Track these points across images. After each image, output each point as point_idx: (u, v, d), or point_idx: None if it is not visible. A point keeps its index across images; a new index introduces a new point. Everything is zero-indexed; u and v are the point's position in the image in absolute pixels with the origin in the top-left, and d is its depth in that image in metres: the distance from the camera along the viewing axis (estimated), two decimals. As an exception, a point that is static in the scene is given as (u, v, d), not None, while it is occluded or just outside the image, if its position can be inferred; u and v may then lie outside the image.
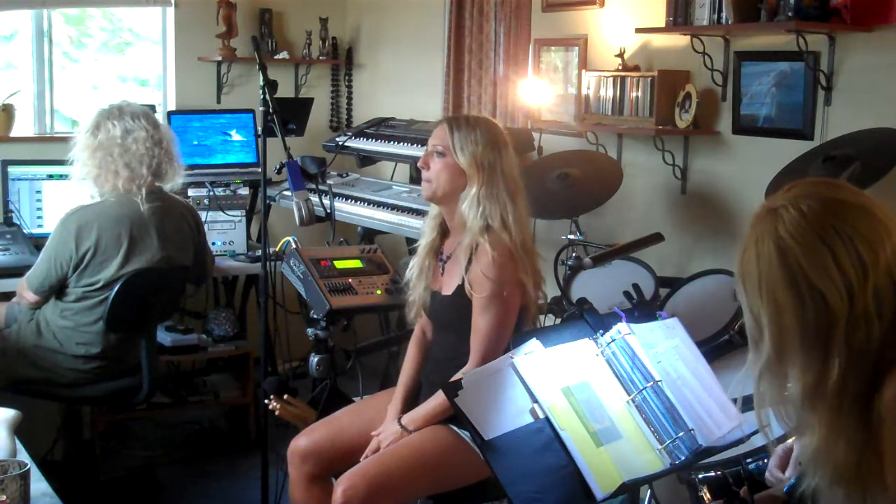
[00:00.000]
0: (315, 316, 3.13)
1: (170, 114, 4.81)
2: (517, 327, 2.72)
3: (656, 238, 3.33)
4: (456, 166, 2.70)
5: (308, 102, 5.08)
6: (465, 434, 2.58)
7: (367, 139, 4.72)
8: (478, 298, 2.64)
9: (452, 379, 2.61)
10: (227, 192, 4.42)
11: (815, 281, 1.45)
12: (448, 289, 2.74)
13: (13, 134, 4.68)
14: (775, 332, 1.50)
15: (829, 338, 1.45)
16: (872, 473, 1.44)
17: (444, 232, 2.85)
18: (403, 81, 5.29)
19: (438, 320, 2.83)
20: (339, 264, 3.22)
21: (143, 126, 3.40)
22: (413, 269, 2.84)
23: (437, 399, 2.66)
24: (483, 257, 2.63)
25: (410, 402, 2.82)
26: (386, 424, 2.76)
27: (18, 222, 4.13)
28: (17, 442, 2.05)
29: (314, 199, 3.20)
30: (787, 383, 1.52)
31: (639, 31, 3.80)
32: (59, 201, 4.03)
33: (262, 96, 3.15)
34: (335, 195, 3.85)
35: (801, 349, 1.48)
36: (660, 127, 3.70)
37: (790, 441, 1.82)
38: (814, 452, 1.50)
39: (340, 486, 2.52)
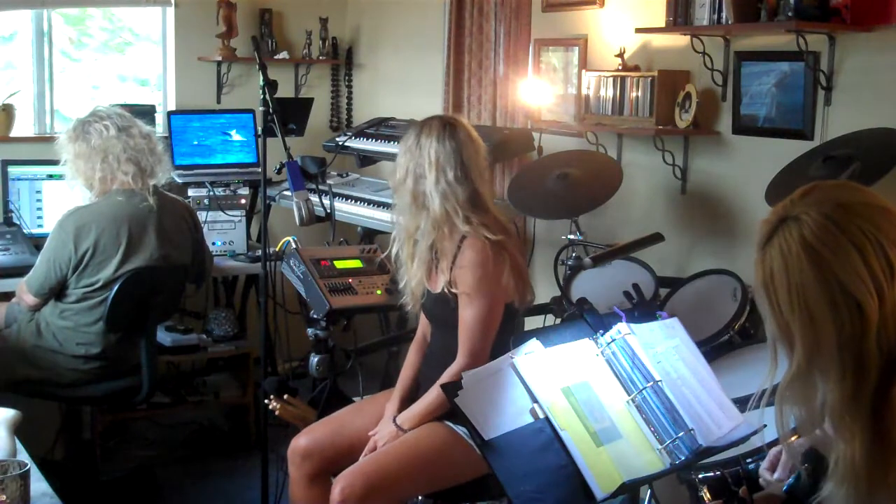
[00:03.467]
0: (315, 316, 3.13)
1: (170, 114, 4.80)
2: (506, 319, 2.74)
3: (656, 238, 3.33)
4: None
5: (308, 102, 5.08)
6: (461, 430, 2.59)
7: (367, 139, 4.72)
8: (462, 293, 2.68)
9: (444, 376, 2.64)
10: (227, 192, 4.42)
11: (848, 285, 1.43)
12: (437, 286, 2.77)
13: (13, 134, 4.68)
14: (809, 342, 1.47)
15: (863, 342, 1.43)
16: (879, 472, 1.42)
17: None
18: (403, 81, 5.29)
19: (431, 317, 2.86)
20: (339, 264, 3.22)
21: (131, 123, 3.41)
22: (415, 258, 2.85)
23: (431, 396, 2.69)
24: (464, 253, 2.68)
25: (408, 402, 2.83)
26: (382, 424, 2.77)
27: (18, 222, 4.13)
28: (17, 442, 2.05)
29: (314, 199, 3.20)
30: (814, 392, 1.49)
31: (639, 31, 3.80)
32: (59, 201, 4.04)
33: (262, 96, 3.15)
34: (335, 195, 3.86)
35: (836, 357, 1.45)
36: (660, 127, 3.70)
37: (784, 444, 1.81)
38: (855, 461, 1.45)
39: (338, 485, 2.53)
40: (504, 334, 2.71)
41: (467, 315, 2.67)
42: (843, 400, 1.46)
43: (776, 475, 1.82)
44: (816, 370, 1.48)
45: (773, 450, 1.84)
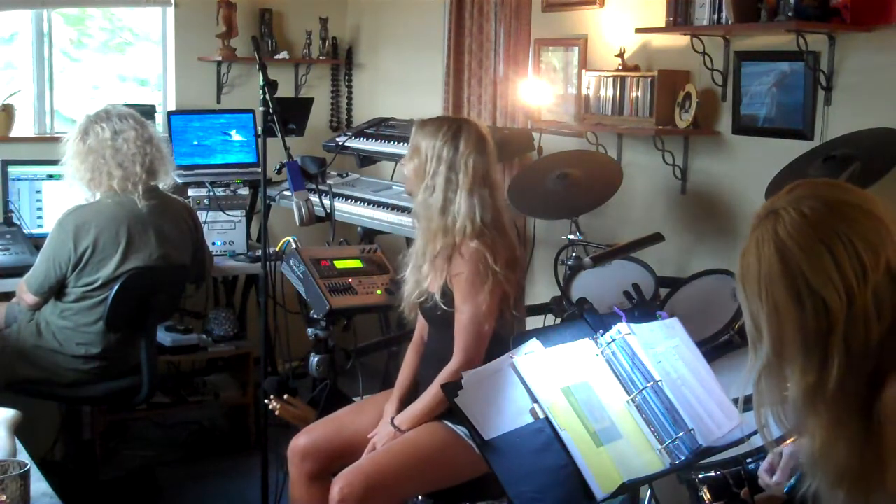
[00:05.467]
0: (315, 316, 3.14)
1: (170, 114, 4.80)
2: (501, 312, 2.73)
3: (656, 238, 3.33)
4: (412, 170, 2.79)
5: (308, 102, 5.08)
6: (460, 430, 2.59)
7: (367, 139, 4.72)
8: (456, 295, 2.68)
9: (440, 375, 2.64)
10: (227, 192, 4.42)
11: (814, 283, 1.45)
12: (434, 287, 2.76)
13: (13, 134, 4.68)
14: (774, 334, 1.50)
15: (827, 339, 1.45)
16: (874, 475, 1.44)
17: None
18: (403, 81, 5.29)
19: (428, 317, 2.85)
20: (339, 264, 3.22)
21: (132, 126, 3.41)
22: (410, 261, 2.86)
23: (428, 396, 2.69)
24: (458, 259, 2.68)
25: (406, 404, 2.83)
26: (381, 426, 2.77)
27: (18, 222, 4.13)
28: (17, 442, 2.05)
29: (314, 199, 3.20)
30: (786, 385, 1.52)
31: (639, 31, 3.80)
32: (59, 201, 4.03)
33: (262, 96, 3.15)
34: (335, 195, 3.86)
35: (800, 351, 1.48)
36: (660, 127, 3.70)
37: (781, 447, 1.82)
38: (814, 454, 1.50)
39: (337, 485, 2.53)
40: (504, 337, 2.71)
41: (461, 316, 2.68)
42: (805, 394, 1.48)
43: (775, 479, 1.82)
44: (786, 365, 1.50)
45: (772, 452, 1.85)
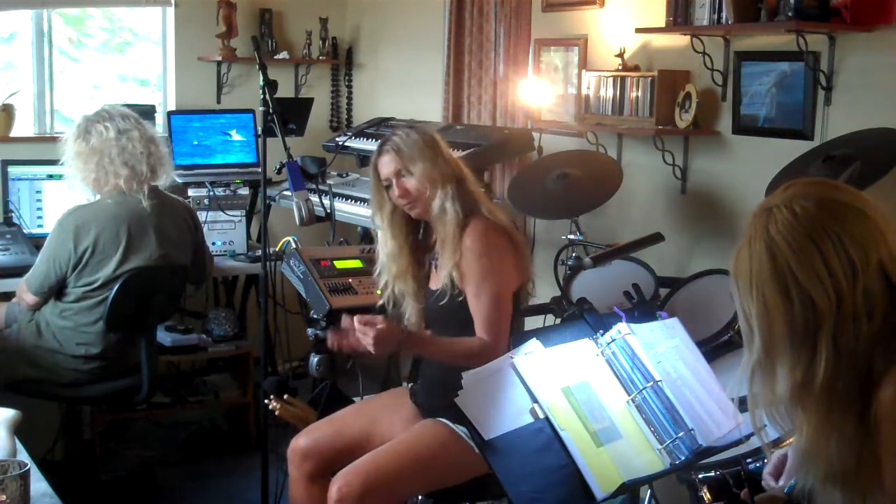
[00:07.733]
0: (315, 316, 3.13)
1: (170, 114, 4.80)
2: (515, 310, 2.71)
3: (656, 238, 3.33)
4: (425, 175, 2.71)
5: (308, 102, 5.08)
6: (460, 429, 2.59)
7: (368, 139, 4.71)
8: (471, 281, 2.64)
9: (460, 341, 2.62)
10: (227, 192, 4.42)
11: (802, 281, 1.46)
12: (437, 282, 2.74)
13: (13, 134, 4.68)
14: (764, 331, 1.51)
15: (816, 337, 1.46)
16: (871, 475, 1.44)
17: (421, 232, 2.86)
18: (403, 81, 5.29)
19: (433, 315, 2.80)
20: (339, 264, 3.22)
21: (134, 125, 3.42)
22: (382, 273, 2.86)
23: (450, 344, 2.64)
24: (466, 241, 2.65)
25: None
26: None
27: (18, 222, 4.14)
28: (17, 442, 2.05)
29: (314, 199, 3.20)
30: (777, 382, 1.52)
31: (639, 31, 3.80)
32: (59, 201, 4.03)
33: (262, 96, 3.15)
34: (335, 195, 3.85)
35: (788, 348, 1.49)
36: (660, 127, 3.70)
37: (785, 448, 1.82)
38: (804, 451, 1.51)
39: (336, 484, 2.53)
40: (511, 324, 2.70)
41: (482, 300, 2.63)
42: (793, 391, 1.50)
43: (781, 482, 1.82)
44: (776, 362, 1.51)
45: (776, 454, 1.85)
